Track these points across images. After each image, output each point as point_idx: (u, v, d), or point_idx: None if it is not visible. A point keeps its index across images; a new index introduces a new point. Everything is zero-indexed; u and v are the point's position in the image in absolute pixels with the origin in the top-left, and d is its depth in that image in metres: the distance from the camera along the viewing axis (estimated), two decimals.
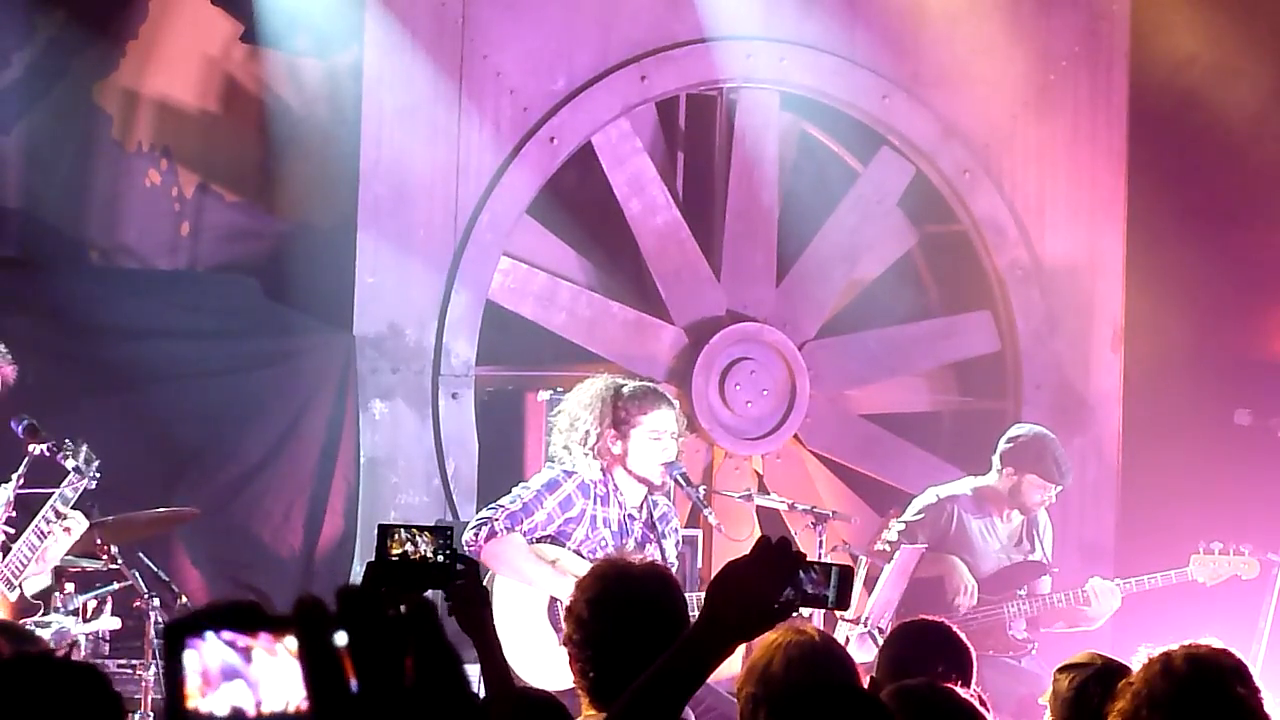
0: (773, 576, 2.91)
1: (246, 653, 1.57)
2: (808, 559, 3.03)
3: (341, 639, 1.53)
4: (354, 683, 1.53)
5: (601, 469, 7.33)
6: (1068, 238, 9.96)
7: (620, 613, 4.05)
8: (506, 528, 7.15)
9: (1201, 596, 8.58)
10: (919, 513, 8.47)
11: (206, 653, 1.58)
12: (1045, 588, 8.46)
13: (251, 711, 1.56)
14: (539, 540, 7.24)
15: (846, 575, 3.04)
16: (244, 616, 1.59)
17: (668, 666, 2.97)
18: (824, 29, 9.53)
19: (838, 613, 6.59)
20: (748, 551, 2.95)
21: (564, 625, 4.20)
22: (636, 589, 4.10)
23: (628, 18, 9.24)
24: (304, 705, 1.55)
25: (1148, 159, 10.01)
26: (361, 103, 8.79)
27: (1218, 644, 3.79)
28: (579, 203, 9.54)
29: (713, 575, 3.00)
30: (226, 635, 1.58)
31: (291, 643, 1.57)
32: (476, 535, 7.10)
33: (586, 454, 7.31)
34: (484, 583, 7.15)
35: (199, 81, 9.25)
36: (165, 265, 9.22)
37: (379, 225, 8.84)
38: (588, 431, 7.32)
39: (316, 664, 1.53)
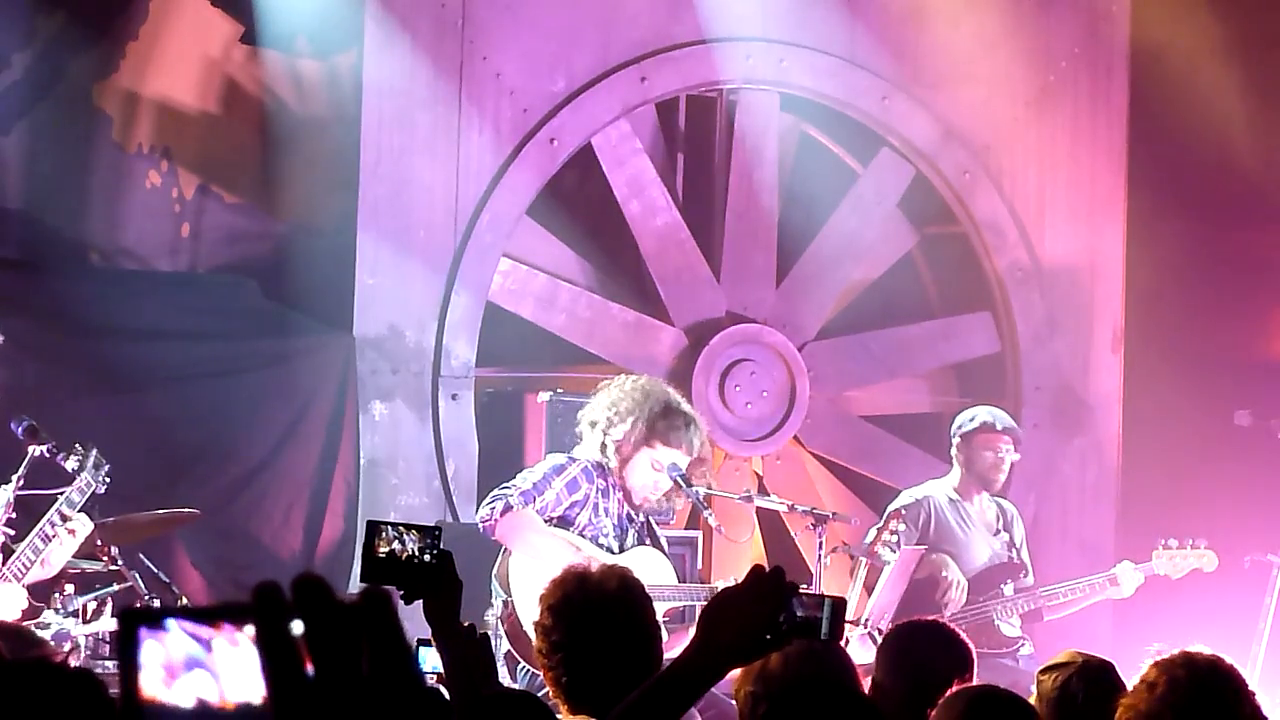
0: (766, 604, 2.95)
1: (208, 643, 1.57)
2: (801, 589, 3.05)
3: (298, 627, 1.54)
4: (310, 670, 1.53)
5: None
6: (1068, 239, 9.96)
7: (583, 614, 4.12)
8: (521, 503, 7.20)
9: (1200, 597, 8.58)
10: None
11: (169, 644, 1.58)
12: (1029, 581, 8.47)
13: (216, 702, 1.56)
14: (548, 522, 7.29)
15: (839, 607, 3.05)
16: (205, 608, 1.60)
17: (658, 687, 3.01)
18: (823, 30, 9.53)
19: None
20: (742, 579, 2.99)
21: (533, 641, 4.24)
22: (595, 589, 4.17)
23: (627, 19, 9.24)
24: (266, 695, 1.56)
25: (1148, 159, 10.01)
26: (361, 103, 8.79)
27: (1207, 650, 3.82)
28: (579, 204, 9.54)
29: (709, 599, 3.03)
30: (188, 626, 1.58)
31: (252, 631, 1.57)
32: (492, 511, 7.17)
33: (607, 444, 7.35)
34: (500, 559, 7.23)
35: (199, 83, 9.25)
36: (165, 267, 9.22)
37: (379, 226, 8.84)
38: (620, 428, 7.34)
39: (273, 651, 1.53)
